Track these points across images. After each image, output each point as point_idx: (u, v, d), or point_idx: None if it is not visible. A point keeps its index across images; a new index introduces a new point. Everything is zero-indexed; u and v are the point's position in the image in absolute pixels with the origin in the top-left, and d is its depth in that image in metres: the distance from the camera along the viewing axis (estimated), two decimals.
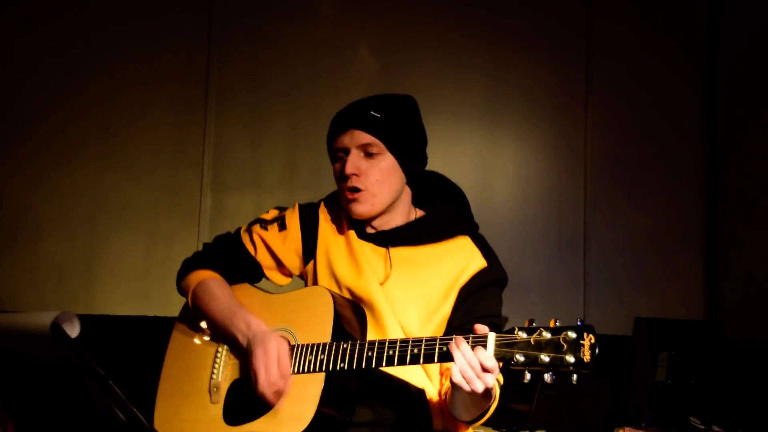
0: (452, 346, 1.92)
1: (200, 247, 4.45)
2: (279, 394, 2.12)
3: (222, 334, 2.31)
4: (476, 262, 2.28)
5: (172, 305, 4.40)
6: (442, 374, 2.28)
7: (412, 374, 2.23)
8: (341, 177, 2.29)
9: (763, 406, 4.14)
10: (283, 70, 4.68)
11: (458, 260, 2.28)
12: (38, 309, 4.30)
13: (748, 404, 4.15)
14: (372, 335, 2.23)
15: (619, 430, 3.75)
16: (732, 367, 4.12)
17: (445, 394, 2.21)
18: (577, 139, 4.86)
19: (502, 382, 2.18)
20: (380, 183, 2.26)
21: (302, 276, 2.46)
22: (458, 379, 1.89)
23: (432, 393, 2.27)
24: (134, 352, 4.02)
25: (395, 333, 2.24)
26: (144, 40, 4.60)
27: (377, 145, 2.25)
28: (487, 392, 2.03)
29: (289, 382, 2.13)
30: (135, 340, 4.21)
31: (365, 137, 2.24)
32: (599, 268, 4.79)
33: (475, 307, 2.25)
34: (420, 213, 2.41)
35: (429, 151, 2.42)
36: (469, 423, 2.20)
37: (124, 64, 4.56)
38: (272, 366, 2.11)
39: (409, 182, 2.35)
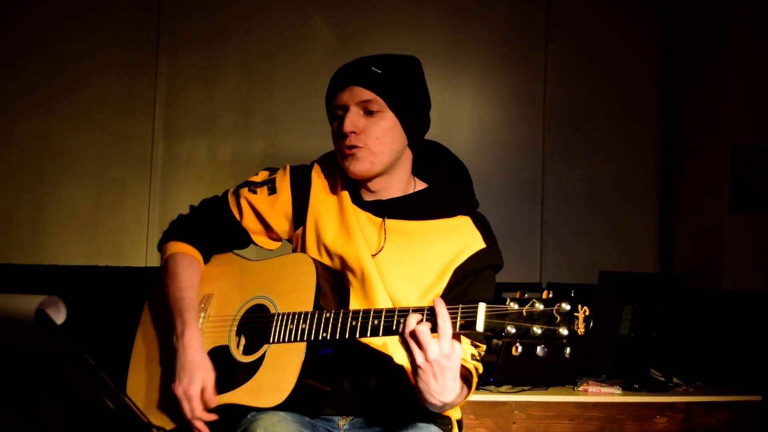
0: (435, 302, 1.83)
1: (152, 195, 4.41)
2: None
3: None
4: (475, 243, 2.17)
5: (124, 255, 4.30)
6: None
7: (398, 348, 2.14)
8: (339, 135, 2.15)
9: (721, 358, 4.19)
10: (237, 10, 4.49)
11: (457, 240, 2.17)
12: None
13: (707, 357, 4.20)
14: (360, 307, 2.12)
15: (582, 383, 3.76)
16: (691, 319, 4.15)
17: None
18: (536, 86, 4.82)
19: (481, 370, 2.07)
20: (380, 141, 2.12)
21: (291, 240, 2.35)
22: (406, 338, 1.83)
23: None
24: (86, 304, 3.90)
25: (384, 306, 2.11)
26: None
27: (377, 102, 2.11)
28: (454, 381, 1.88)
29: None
30: (86, 291, 4.09)
31: (365, 93, 2.11)
32: (556, 216, 4.79)
33: (467, 289, 2.14)
34: (421, 185, 2.28)
35: None
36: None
37: (71, 5, 4.31)
38: (194, 406, 2.06)
39: (411, 144, 2.22)
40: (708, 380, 4.05)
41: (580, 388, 3.71)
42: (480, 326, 1.77)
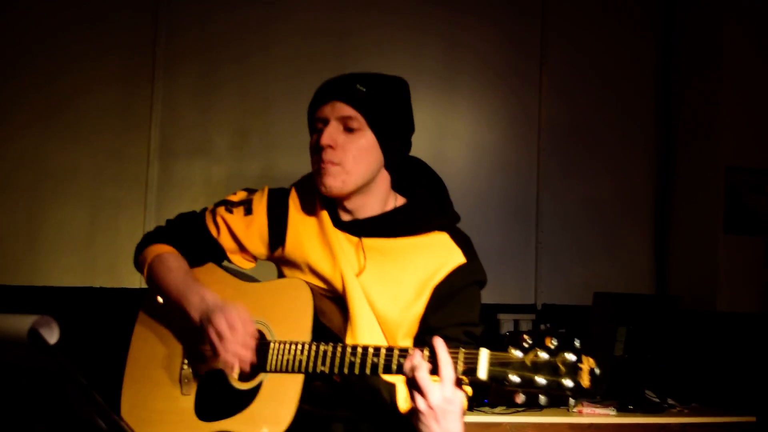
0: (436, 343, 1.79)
1: (147, 216, 4.41)
2: (244, 361, 1.99)
3: (177, 310, 2.15)
4: (454, 259, 2.14)
5: (119, 276, 4.29)
6: None
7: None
8: (315, 148, 2.13)
9: (715, 379, 4.19)
10: (234, 31, 4.50)
11: (435, 256, 2.14)
12: None
13: (702, 378, 4.21)
14: (348, 329, 2.12)
15: (576, 404, 3.76)
16: (686, 340, 4.16)
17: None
18: (531, 106, 4.83)
19: (470, 393, 2.02)
20: (356, 160, 2.10)
21: (271, 260, 2.33)
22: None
23: (398, 382, 2.18)
24: (80, 325, 3.88)
25: (371, 328, 2.12)
26: None
27: (358, 119, 2.09)
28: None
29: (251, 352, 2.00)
30: (80, 312, 4.07)
31: (346, 110, 2.09)
32: (551, 236, 4.78)
33: (453, 312, 2.11)
34: (401, 200, 2.26)
35: None
36: None
37: (65, 28, 4.32)
38: (230, 333, 1.98)
39: (387, 166, 2.19)
40: (703, 401, 4.05)
41: (575, 410, 3.71)
42: (483, 374, 1.74)
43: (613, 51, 4.91)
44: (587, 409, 3.70)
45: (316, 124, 2.16)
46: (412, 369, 1.78)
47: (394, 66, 4.46)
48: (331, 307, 2.15)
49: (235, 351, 1.98)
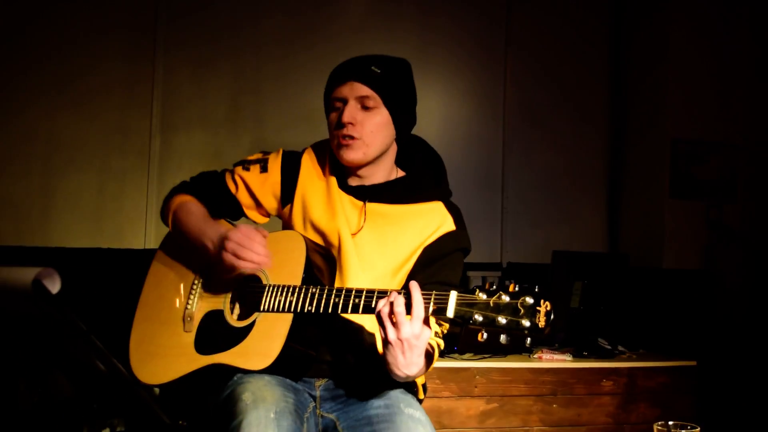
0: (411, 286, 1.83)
1: (150, 184, 4.40)
2: (265, 262, 2.03)
3: (196, 247, 2.19)
4: (446, 225, 2.19)
5: (124, 238, 4.29)
6: None
7: (367, 319, 2.17)
8: (337, 125, 2.17)
9: (661, 328, 4.23)
10: (228, 18, 4.49)
11: (430, 222, 2.19)
12: None
13: (648, 327, 4.24)
14: (337, 282, 2.14)
15: (537, 351, 3.79)
16: (634, 293, 4.19)
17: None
18: (497, 87, 4.84)
19: (443, 346, 2.11)
20: (374, 134, 2.14)
21: (280, 217, 2.36)
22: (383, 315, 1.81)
23: (377, 332, 2.19)
24: (90, 282, 3.89)
25: (360, 282, 2.13)
26: None
27: (374, 98, 2.13)
28: (428, 354, 1.94)
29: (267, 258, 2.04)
30: (90, 270, 4.08)
31: (364, 90, 2.13)
32: (515, 203, 4.81)
33: (438, 272, 2.15)
34: (401, 173, 2.30)
35: None
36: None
37: (75, 15, 4.29)
38: (248, 240, 2.03)
39: (398, 139, 2.23)
40: (649, 348, 4.10)
41: (535, 356, 3.74)
42: (450, 313, 1.76)
43: (571, 38, 4.93)
44: (546, 356, 3.72)
45: (334, 103, 2.18)
46: (391, 304, 1.81)
47: (371, 48, 4.47)
48: (323, 263, 2.18)
49: (256, 252, 2.02)
